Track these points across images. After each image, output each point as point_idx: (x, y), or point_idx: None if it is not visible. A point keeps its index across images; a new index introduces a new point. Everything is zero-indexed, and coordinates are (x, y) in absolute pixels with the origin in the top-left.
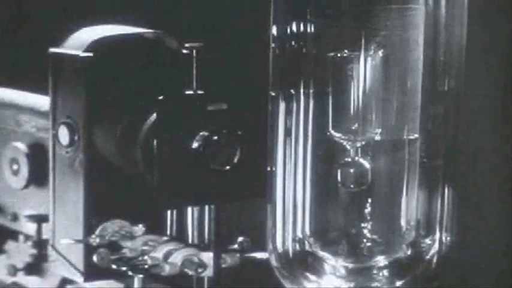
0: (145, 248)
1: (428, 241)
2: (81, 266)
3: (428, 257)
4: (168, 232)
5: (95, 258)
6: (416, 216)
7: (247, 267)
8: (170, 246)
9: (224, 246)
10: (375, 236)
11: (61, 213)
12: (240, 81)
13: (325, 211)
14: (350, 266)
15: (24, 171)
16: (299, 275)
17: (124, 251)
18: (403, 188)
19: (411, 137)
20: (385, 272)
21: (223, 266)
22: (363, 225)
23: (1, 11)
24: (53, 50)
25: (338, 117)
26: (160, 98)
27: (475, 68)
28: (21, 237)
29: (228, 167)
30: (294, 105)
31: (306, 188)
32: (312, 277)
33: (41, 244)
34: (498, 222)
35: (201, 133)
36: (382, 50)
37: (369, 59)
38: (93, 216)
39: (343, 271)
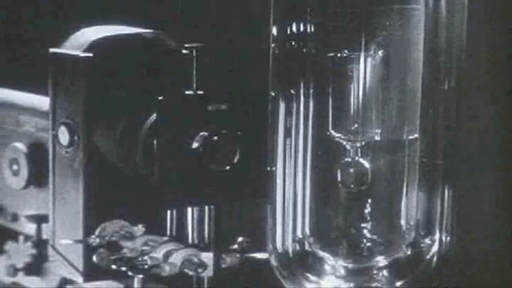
0: (145, 248)
1: (428, 241)
2: (80, 266)
3: (428, 257)
4: (168, 232)
5: (94, 258)
6: (416, 216)
7: (247, 267)
8: (170, 247)
9: (224, 246)
10: (374, 236)
11: (61, 214)
12: (240, 81)
13: (325, 211)
14: (350, 266)
15: (24, 172)
16: (299, 275)
17: (124, 251)
18: (402, 188)
19: (411, 137)
20: (385, 272)
21: (223, 266)
22: (362, 225)
23: (1, 11)
24: (53, 50)
25: (338, 117)
26: (160, 98)
27: (475, 68)
28: (21, 238)
29: (227, 167)
30: (294, 105)
31: (306, 188)
32: (312, 277)
33: (40, 244)
34: (498, 222)
35: (200, 133)
36: (382, 50)
37: (369, 59)
38: (93, 216)
39: (343, 271)
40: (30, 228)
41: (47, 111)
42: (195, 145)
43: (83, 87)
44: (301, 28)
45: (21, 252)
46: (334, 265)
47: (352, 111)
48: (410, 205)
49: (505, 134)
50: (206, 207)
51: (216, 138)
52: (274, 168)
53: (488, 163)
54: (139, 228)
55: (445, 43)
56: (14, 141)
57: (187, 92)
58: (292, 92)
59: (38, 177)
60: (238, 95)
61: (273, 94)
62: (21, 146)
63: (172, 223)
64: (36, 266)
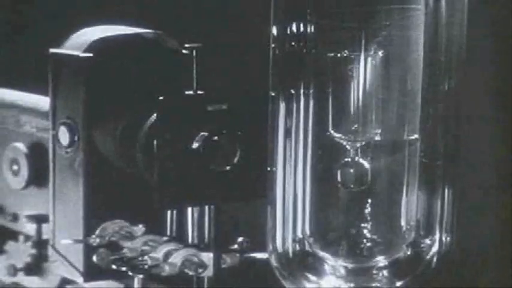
0: (145, 248)
1: (428, 241)
2: (81, 266)
3: (428, 257)
4: (168, 232)
5: (94, 258)
6: (416, 216)
7: (247, 267)
8: (170, 247)
9: (224, 246)
10: (374, 236)
11: (61, 214)
12: (240, 81)
13: (325, 211)
14: (350, 266)
15: (24, 172)
16: (299, 275)
17: (124, 251)
18: (403, 188)
19: (411, 137)
20: (385, 272)
21: (223, 266)
22: (362, 225)
23: (1, 12)
24: (53, 50)
25: (338, 117)
26: (160, 98)
27: (475, 68)
28: (21, 238)
29: (228, 168)
30: (294, 105)
31: (306, 188)
32: (312, 277)
33: (40, 244)
34: (498, 222)
35: (201, 133)
36: (382, 50)
37: (369, 59)
38: (93, 216)
39: (343, 271)
40: (30, 228)
41: (47, 111)
42: (195, 145)
43: (83, 87)
44: (301, 28)
45: (21, 252)
46: (334, 265)
47: (352, 111)
48: (410, 205)
49: (505, 134)
50: (206, 207)
51: (216, 138)
52: (274, 168)
53: (488, 163)
54: (140, 228)
55: (445, 43)
56: (14, 141)
57: (187, 92)
58: (292, 92)
59: (38, 177)
60: (238, 94)
61: (273, 94)
62: (21, 146)
63: (172, 223)
64: (36, 266)
